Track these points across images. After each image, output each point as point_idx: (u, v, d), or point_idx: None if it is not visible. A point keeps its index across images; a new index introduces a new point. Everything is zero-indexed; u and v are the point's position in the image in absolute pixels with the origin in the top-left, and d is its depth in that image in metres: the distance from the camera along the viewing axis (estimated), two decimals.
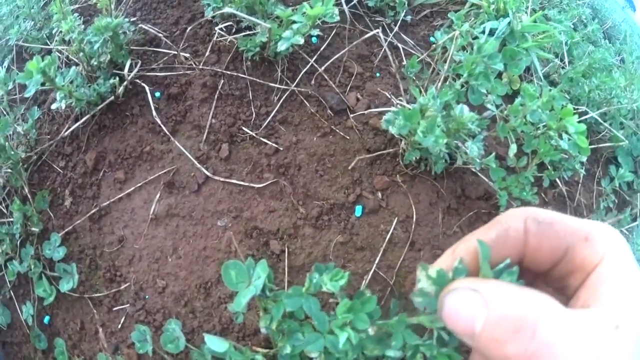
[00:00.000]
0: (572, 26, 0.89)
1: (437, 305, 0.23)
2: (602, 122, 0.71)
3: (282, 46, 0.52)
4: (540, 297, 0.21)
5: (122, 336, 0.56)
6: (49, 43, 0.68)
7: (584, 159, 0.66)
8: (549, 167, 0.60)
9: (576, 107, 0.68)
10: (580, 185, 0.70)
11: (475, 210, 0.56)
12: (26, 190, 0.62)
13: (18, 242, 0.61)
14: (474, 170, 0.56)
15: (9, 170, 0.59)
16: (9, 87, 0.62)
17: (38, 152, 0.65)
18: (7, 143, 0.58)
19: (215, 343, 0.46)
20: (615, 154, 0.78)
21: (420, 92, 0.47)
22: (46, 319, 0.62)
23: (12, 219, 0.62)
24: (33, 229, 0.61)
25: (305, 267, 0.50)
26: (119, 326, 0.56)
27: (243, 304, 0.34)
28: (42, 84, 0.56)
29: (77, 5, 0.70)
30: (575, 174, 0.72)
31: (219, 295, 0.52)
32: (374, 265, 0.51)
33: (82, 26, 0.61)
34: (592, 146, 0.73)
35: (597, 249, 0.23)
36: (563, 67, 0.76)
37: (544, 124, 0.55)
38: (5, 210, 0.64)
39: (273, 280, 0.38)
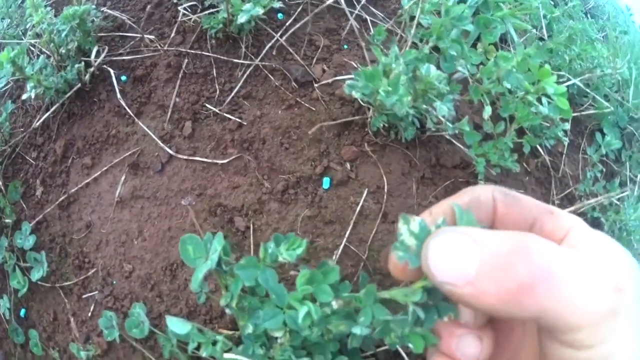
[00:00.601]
0: (552, 3, 0.84)
1: (422, 255, 0.20)
2: (585, 89, 0.66)
3: (242, 18, 0.49)
4: (526, 233, 0.19)
5: (92, 325, 0.53)
6: (24, 39, 0.66)
7: (567, 126, 0.62)
8: (529, 133, 0.55)
9: (557, 73, 0.63)
10: (564, 156, 0.65)
11: (451, 179, 0.51)
12: (0, 183, 0.59)
13: None
14: (449, 138, 0.52)
15: None
16: None
17: (12, 145, 0.63)
18: None
19: (176, 325, 0.43)
20: (600, 126, 0.73)
21: (384, 54, 0.43)
22: (22, 312, 0.59)
23: None
24: (6, 220, 0.58)
25: None
26: (89, 314, 0.53)
27: (199, 279, 0.31)
28: (13, 74, 0.54)
29: (51, 1, 0.68)
30: (559, 145, 0.67)
31: (185, 277, 0.49)
32: (344, 240, 0.46)
33: (54, 18, 0.59)
34: (576, 114, 0.68)
35: (564, 222, 0.22)
36: (542, 39, 0.71)
37: (523, 91, 0.51)
38: None
39: (231, 253, 0.34)
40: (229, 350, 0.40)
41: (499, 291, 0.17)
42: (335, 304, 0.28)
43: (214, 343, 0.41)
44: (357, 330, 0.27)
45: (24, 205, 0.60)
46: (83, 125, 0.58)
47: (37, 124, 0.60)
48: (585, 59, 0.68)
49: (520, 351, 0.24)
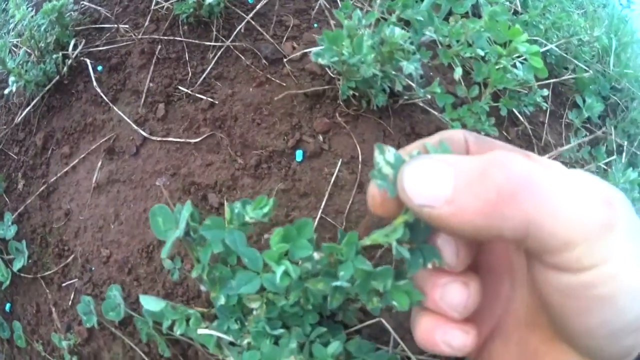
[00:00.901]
0: None
1: (397, 181, 0.19)
2: (564, 54, 0.64)
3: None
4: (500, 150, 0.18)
5: (73, 314, 0.52)
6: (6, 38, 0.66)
7: (546, 92, 0.60)
8: (505, 97, 0.54)
9: (533, 39, 0.62)
10: (546, 125, 0.63)
11: None
12: None
13: None
14: (423, 106, 0.51)
15: None
16: None
17: None
18: None
19: (150, 303, 0.41)
20: (582, 97, 0.71)
21: (347, 18, 0.42)
22: (7, 307, 0.58)
23: None
24: None
25: None
26: (70, 303, 0.52)
27: (168, 248, 0.30)
28: None
29: (32, 2, 0.69)
30: (540, 115, 0.65)
31: (160, 259, 0.47)
32: (320, 212, 0.45)
33: (35, 16, 0.60)
34: (554, 80, 0.66)
35: (542, 163, 0.20)
36: (517, 12, 0.70)
37: (496, 56, 0.49)
38: None
39: (199, 220, 0.32)
40: (203, 327, 0.38)
41: (478, 204, 0.16)
42: (316, 255, 0.26)
43: (187, 320, 0.39)
44: (337, 283, 0.24)
45: (7, 199, 0.59)
46: (62, 117, 0.58)
47: (19, 119, 0.60)
48: (561, 27, 0.67)
49: (510, 304, 0.22)
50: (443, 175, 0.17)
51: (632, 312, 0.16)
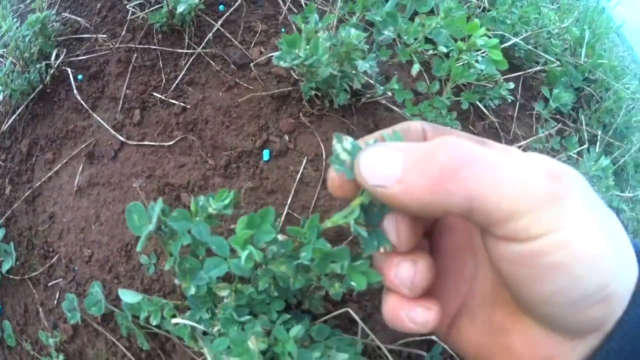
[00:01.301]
0: None
1: (354, 165, 0.20)
2: (534, 49, 0.66)
3: (181, 8, 0.52)
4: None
5: (59, 312, 0.55)
6: None
7: (511, 85, 0.62)
8: (467, 91, 0.56)
9: (500, 34, 0.64)
10: (515, 119, 0.65)
11: None
12: None
13: None
14: (386, 104, 0.53)
15: None
16: None
17: None
18: None
19: (127, 295, 0.44)
20: (551, 89, 0.73)
21: (305, 21, 0.44)
22: None
23: None
24: None
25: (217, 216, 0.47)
26: (55, 302, 0.54)
27: (142, 241, 0.32)
28: None
29: (17, 13, 0.73)
30: (509, 108, 0.67)
31: (139, 257, 0.50)
32: (287, 208, 0.47)
33: (20, 27, 0.63)
34: (524, 72, 0.68)
35: (497, 148, 0.21)
36: (484, 10, 0.72)
37: (457, 52, 0.51)
38: None
39: (169, 215, 0.35)
40: (175, 317, 0.41)
41: (424, 182, 0.17)
42: (280, 237, 0.28)
43: (163, 310, 0.42)
44: (297, 262, 0.26)
45: None
46: (45, 124, 0.61)
47: (5, 127, 0.64)
48: (529, 21, 0.69)
49: (475, 283, 0.23)
50: (393, 158, 0.18)
51: (591, 280, 0.16)
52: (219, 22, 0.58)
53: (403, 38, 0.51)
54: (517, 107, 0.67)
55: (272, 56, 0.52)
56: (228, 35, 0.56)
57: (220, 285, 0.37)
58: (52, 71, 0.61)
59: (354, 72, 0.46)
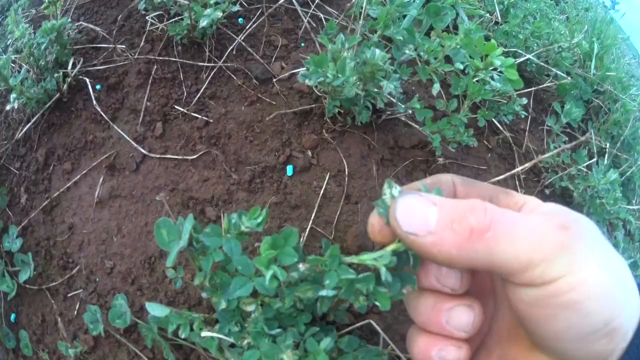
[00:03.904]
0: None
1: (390, 210, 0.23)
2: (545, 65, 0.71)
3: (203, 22, 0.55)
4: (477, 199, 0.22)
5: (78, 323, 0.57)
6: (5, 55, 0.72)
7: (524, 101, 0.66)
8: (484, 108, 0.60)
9: (510, 50, 0.68)
10: (527, 132, 0.69)
11: (410, 159, 0.56)
12: None
13: None
14: (405, 120, 0.57)
15: None
16: None
17: None
18: None
19: (156, 309, 0.47)
20: (562, 103, 0.77)
21: (332, 42, 0.48)
22: (12, 317, 0.64)
23: None
24: None
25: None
26: (75, 313, 0.57)
27: (173, 257, 0.34)
28: None
29: (29, 19, 0.75)
30: (521, 122, 0.72)
31: (162, 270, 0.53)
32: (310, 222, 0.51)
33: (33, 33, 0.65)
34: (534, 88, 0.73)
35: (518, 198, 0.25)
36: (497, 23, 0.76)
37: (473, 69, 0.55)
38: None
39: (200, 232, 0.38)
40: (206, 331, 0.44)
41: (455, 239, 0.21)
42: (302, 267, 0.30)
43: (191, 324, 0.45)
44: (323, 292, 0.29)
45: (10, 213, 0.65)
46: (62, 134, 0.64)
47: (19, 135, 0.66)
48: (541, 36, 0.73)
49: (493, 323, 0.27)
50: (429, 211, 0.21)
51: (599, 316, 0.20)
52: (240, 36, 0.61)
53: (422, 56, 0.55)
54: (529, 120, 0.71)
55: (295, 73, 0.56)
56: (249, 49, 0.59)
57: (246, 301, 0.40)
58: (69, 80, 0.63)
59: (377, 91, 0.50)
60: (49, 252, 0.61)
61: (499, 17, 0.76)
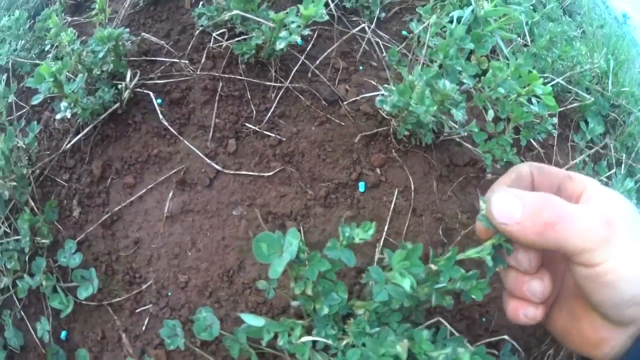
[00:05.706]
0: (532, 7, 1.06)
1: (486, 206, 0.35)
2: (567, 86, 0.87)
3: (280, 44, 0.63)
4: (550, 194, 0.34)
5: (147, 338, 0.63)
6: (40, 61, 0.76)
7: (555, 121, 0.81)
8: (523, 129, 0.74)
9: (542, 75, 0.83)
10: (555, 147, 0.85)
11: (464, 175, 0.68)
12: (32, 205, 0.68)
13: (27, 258, 0.67)
14: (457, 140, 0.69)
15: (14, 183, 0.66)
16: (8, 100, 0.69)
17: (39, 168, 0.72)
18: (11, 155, 0.65)
19: (251, 319, 0.54)
20: (585, 117, 0.94)
21: (409, 73, 0.59)
22: (63, 335, 0.68)
23: (17, 237, 0.68)
24: (43, 241, 0.67)
25: (321, 243, 0.60)
26: (143, 328, 0.63)
27: (279, 271, 0.41)
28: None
29: (65, 22, 0.79)
30: (549, 138, 0.87)
31: (242, 282, 0.61)
32: (384, 234, 0.62)
33: (77, 40, 0.70)
34: (561, 108, 0.89)
35: (579, 183, 0.38)
36: (526, 45, 0.92)
37: (515, 94, 0.69)
38: (8, 229, 0.70)
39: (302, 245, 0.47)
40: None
41: (534, 228, 0.32)
42: (433, 267, 0.41)
43: (291, 330, 0.54)
44: (439, 285, 0.41)
45: (60, 227, 0.69)
46: (119, 147, 0.69)
47: (67, 146, 0.71)
48: (566, 58, 0.90)
49: (565, 280, 0.40)
50: (515, 204, 0.33)
51: (628, 292, 0.31)
52: (303, 56, 0.70)
53: (477, 85, 0.68)
54: (556, 137, 0.87)
55: (364, 97, 0.66)
56: (316, 70, 0.69)
57: (357, 304, 0.50)
58: (127, 92, 0.69)
59: (443, 117, 0.62)
60: (111, 267, 0.66)
61: (528, 39, 0.91)
